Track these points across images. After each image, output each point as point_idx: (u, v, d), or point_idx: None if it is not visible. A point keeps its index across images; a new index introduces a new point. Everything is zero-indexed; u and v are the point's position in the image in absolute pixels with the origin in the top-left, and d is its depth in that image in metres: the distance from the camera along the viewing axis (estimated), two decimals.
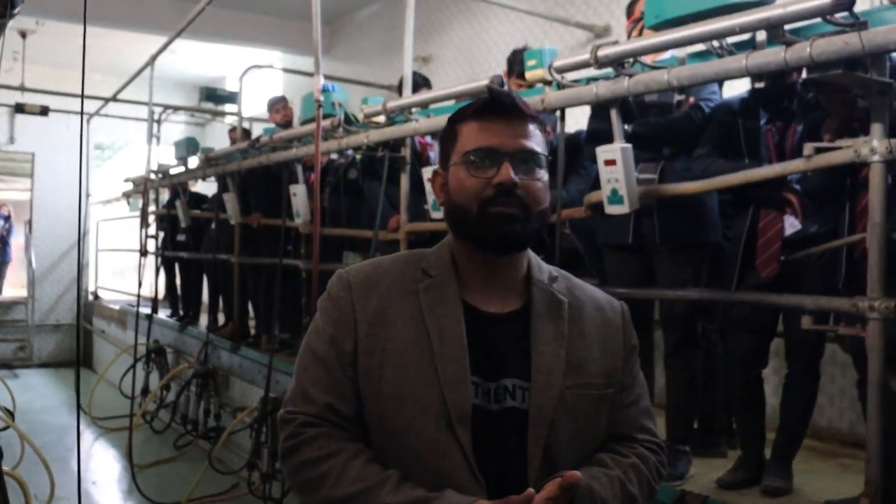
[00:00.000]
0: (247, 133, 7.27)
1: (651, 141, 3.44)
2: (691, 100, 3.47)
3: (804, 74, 3.17)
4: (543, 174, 1.48)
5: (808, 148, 2.79)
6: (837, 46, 2.50)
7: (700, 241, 3.46)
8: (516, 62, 4.36)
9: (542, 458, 1.42)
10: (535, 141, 1.48)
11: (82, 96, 1.83)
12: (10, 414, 5.84)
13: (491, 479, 1.40)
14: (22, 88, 9.95)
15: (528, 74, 3.59)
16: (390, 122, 4.63)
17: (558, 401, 1.45)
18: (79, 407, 2.34)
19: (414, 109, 4.43)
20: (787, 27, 2.66)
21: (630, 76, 3.17)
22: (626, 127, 3.39)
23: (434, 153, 4.85)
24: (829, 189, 3.05)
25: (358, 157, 5.65)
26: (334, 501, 1.39)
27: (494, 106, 1.48)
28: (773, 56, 2.69)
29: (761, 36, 2.81)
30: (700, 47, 3.10)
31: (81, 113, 2.18)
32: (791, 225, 3.13)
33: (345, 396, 1.45)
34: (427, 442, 1.40)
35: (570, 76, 3.49)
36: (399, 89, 4.77)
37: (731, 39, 2.91)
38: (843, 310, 2.74)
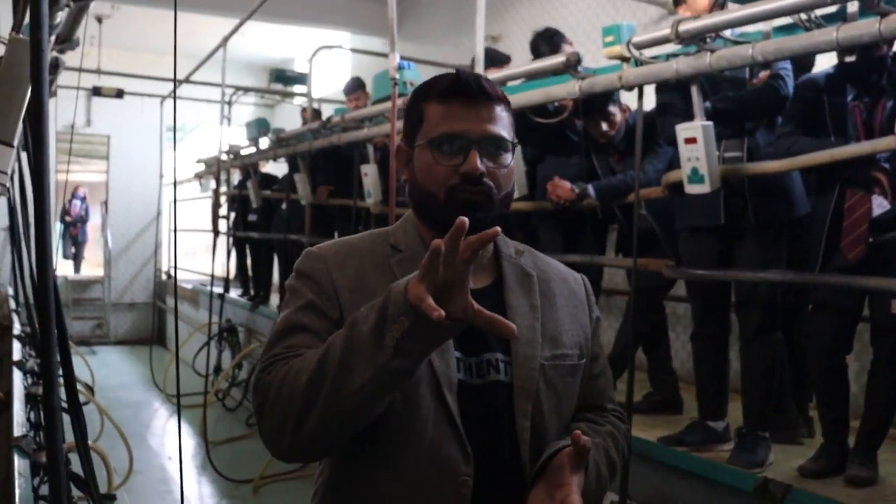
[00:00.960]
0: (317, 113, 7.30)
1: (733, 116, 3.35)
2: (764, 73, 3.37)
3: (895, 48, 3.05)
4: (508, 159, 1.46)
5: None
6: None
7: (791, 217, 3.38)
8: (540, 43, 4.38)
9: (531, 429, 1.43)
10: (502, 125, 1.45)
11: (174, 80, 1.84)
12: (90, 389, 6.01)
13: (478, 450, 1.39)
14: (98, 72, 10.16)
15: (606, 51, 3.52)
16: None
17: (539, 373, 1.45)
18: (178, 389, 2.37)
19: None
20: None
21: (712, 51, 3.08)
22: (705, 104, 3.30)
23: None
24: None
25: None
26: (302, 393, 1.29)
27: (461, 88, 1.45)
28: (867, 28, 2.58)
29: (853, 7, 2.70)
30: (787, 20, 2.99)
31: (174, 96, 2.17)
32: (879, 205, 3.02)
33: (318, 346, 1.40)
34: (414, 408, 1.38)
35: (648, 53, 3.41)
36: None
37: (819, 11, 2.80)
38: None
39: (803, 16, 2.81)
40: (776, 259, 3.33)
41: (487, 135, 1.43)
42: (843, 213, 3.09)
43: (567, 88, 3.77)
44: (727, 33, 3.09)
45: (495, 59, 4.77)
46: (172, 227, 12.92)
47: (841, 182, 3.11)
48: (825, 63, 3.49)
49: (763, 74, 3.36)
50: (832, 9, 2.81)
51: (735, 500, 3.15)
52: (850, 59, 2.84)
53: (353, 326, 1.29)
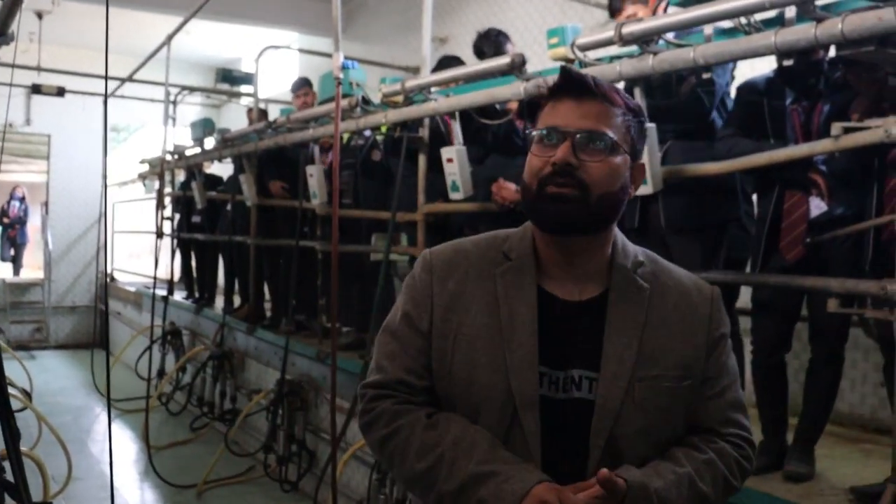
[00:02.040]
0: (264, 114, 7.23)
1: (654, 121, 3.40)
2: (692, 79, 3.42)
3: (831, 52, 3.11)
4: (613, 158, 1.43)
5: (837, 128, 2.74)
6: (870, 23, 2.43)
7: (705, 223, 3.41)
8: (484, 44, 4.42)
9: (605, 450, 1.40)
10: (609, 124, 1.43)
11: (105, 77, 1.80)
12: (28, 395, 5.87)
13: (554, 469, 1.38)
14: (38, 69, 9.93)
15: (551, 53, 3.53)
16: (409, 102, 4.58)
17: (626, 392, 1.41)
18: (109, 392, 2.32)
19: (433, 89, 4.37)
20: (817, 2, 2.60)
21: (655, 54, 3.11)
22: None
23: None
24: (856, 170, 3.00)
25: (380, 138, 5.60)
26: (407, 480, 1.46)
27: (565, 85, 1.46)
28: (803, 33, 2.62)
29: (790, 12, 2.74)
30: (727, 24, 3.03)
31: (105, 95, 2.12)
32: (817, 207, 3.08)
33: (416, 372, 1.49)
34: (493, 427, 1.41)
35: (592, 55, 3.43)
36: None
37: (759, 16, 2.84)
38: (871, 293, 2.69)
39: (743, 20, 2.85)
40: (703, 261, 3.35)
41: (584, 128, 1.42)
42: (783, 214, 3.15)
43: (512, 90, 3.78)
44: (669, 36, 3.12)
45: (450, 63, 4.74)
46: (109, 230, 12.74)
47: (780, 184, 3.17)
48: (765, 67, 3.55)
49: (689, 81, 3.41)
50: (771, 14, 2.86)
51: None
52: (787, 62, 2.89)
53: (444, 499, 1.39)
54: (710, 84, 3.39)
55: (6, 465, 2.33)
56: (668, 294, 1.50)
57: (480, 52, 4.47)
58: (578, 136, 1.42)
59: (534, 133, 1.47)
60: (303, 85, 6.81)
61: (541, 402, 1.40)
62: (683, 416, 1.48)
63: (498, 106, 4.25)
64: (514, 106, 4.22)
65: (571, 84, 1.46)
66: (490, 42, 4.47)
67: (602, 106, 1.44)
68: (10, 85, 4.70)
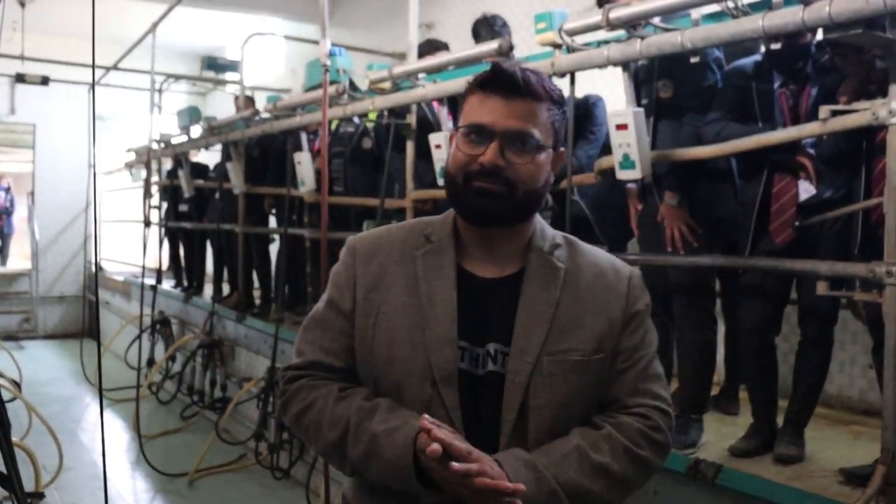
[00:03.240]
0: (251, 101, 7.20)
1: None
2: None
3: (818, 36, 3.12)
4: (539, 157, 1.47)
5: (824, 111, 2.74)
6: (858, 5, 2.43)
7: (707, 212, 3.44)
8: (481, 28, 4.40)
9: (515, 424, 1.44)
10: (535, 121, 1.46)
11: (93, 66, 1.79)
12: (17, 385, 5.84)
13: (474, 442, 1.40)
14: (22, 58, 9.85)
15: (538, 38, 3.52)
16: (396, 88, 4.57)
17: (534, 366, 1.44)
18: (100, 384, 2.31)
19: (420, 75, 4.36)
20: None
21: (642, 38, 3.10)
22: None
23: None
24: (844, 153, 3.00)
25: (370, 125, 5.59)
26: (324, 452, 1.54)
27: (496, 80, 1.48)
28: (791, 16, 2.63)
29: None
30: (714, 8, 3.03)
31: (93, 84, 2.11)
32: (805, 190, 3.09)
33: (335, 352, 1.55)
34: (413, 402, 1.45)
35: (580, 39, 3.43)
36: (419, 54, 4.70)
37: (746, 0, 2.84)
38: (860, 275, 2.70)
39: (731, 4, 2.84)
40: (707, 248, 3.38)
41: (512, 129, 1.44)
42: (772, 198, 3.15)
43: None
44: (657, 21, 3.12)
45: (433, 46, 4.74)
46: (98, 219, 12.68)
47: (769, 167, 3.17)
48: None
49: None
50: None
51: (669, 481, 3.19)
52: (775, 46, 2.89)
53: (357, 465, 1.47)
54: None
55: None
56: (583, 274, 1.55)
57: (478, 35, 4.46)
58: (507, 136, 1.45)
59: (460, 126, 1.50)
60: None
61: (461, 377, 1.45)
62: (595, 389, 1.51)
63: None
64: None
65: (501, 81, 1.47)
66: (488, 26, 4.46)
67: (530, 104, 1.47)
68: None
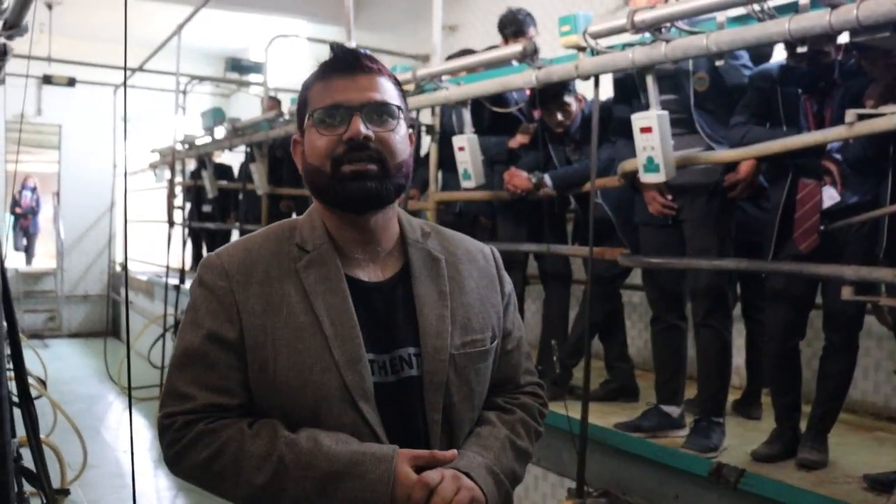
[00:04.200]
0: (277, 102, 7.25)
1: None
2: (701, 73, 3.42)
3: (840, 56, 3.10)
4: (400, 125, 1.44)
5: (851, 115, 2.72)
6: (886, 8, 2.42)
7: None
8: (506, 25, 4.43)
9: (442, 423, 1.43)
10: (387, 93, 1.44)
11: (125, 68, 1.81)
12: (42, 383, 5.91)
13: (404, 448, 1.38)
14: (49, 59, 9.94)
15: (562, 40, 3.52)
16: (420, 90, 4.58)
17: (449, 364, 1.43)
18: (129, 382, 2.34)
19: (444, 77, 4.37)
20: None
21: (667, 41, 3.10)
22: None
23: None
24: (870, 157, 2.98)
25: None
26: (246, 496, 1.36)
27: (337, 63, 1.45)
28: (818, 19, 2.61)
29: None
30: (740, 11, 3.02)
31: (125, 84, 2.16)
32: (830, 197, 3.07)
33: (229, 390, 1.39)
34: (334, 427, 1.37)
35: (604, 42, 3.43)
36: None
37: (772, 2, 2.83)
38: (886, 280, 2.69)
39: (756, 6, 2.83)
40: (709, 250, 3.40)
41: (369, 101, 1.41)
42: (796, 203, 3.14)
43: (524, 78, 3.78)
44: (682, 24, 3.11)
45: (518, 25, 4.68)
46: (125, 218, 12.79)
47: (793, 171, 3.16)
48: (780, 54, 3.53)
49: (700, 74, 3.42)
50: (785, 0, 2.85)
51: (690, 485, 3.19)
52: (801, 49, 2.87)
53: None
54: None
55: (25, 452, 2.36)
56: (460, 261, 1.54)
57: (503, 31, 4.46)
58: (365, 108, 1.40)
59: (314, 112, 1.43)
60: None
61: (375, 389, 1.40)
62: (491, 373, 1.54)
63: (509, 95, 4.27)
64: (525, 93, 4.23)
65: (343, 60, 1.45)
66: (511, 22, 4.47)
67: (375, 77, 1.44)
68: (27, 76, 4.72)
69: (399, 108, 1.44)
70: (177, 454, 1.39)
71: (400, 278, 1.48)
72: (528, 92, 4.20)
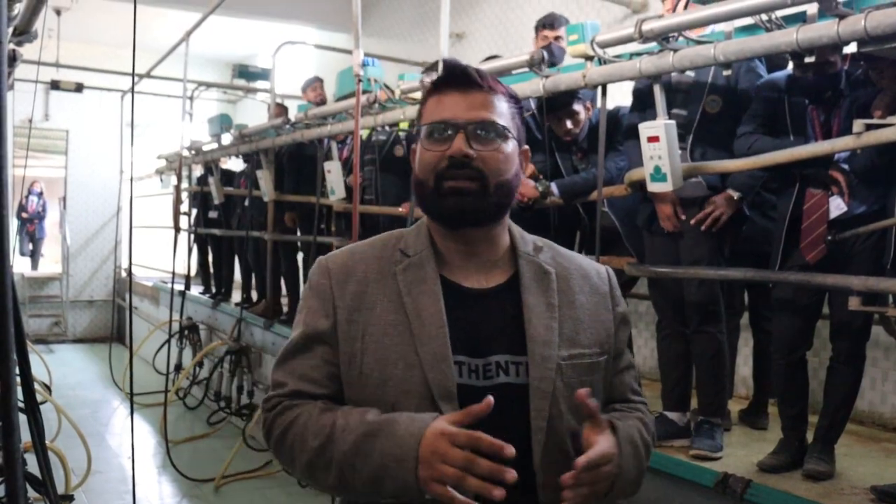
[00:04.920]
0: (284, 109, 7.26)
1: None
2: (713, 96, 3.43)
3: (847, 65, 3.10)
4: (505, 145, 1.46)
5: (859, 125, 2.71)
6: (894, 19, 2.42)
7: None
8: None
9: (546, 431, 1.42)
10: (496, 112, 1.46)
11: (133, 74, 1.81)
12: (47, 388, 5.92)
13: (480, 455, 1.36)
14: (57, 65, 9.99)
15: (570, 50, 3.53)
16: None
17: (556, 373, 1.44)
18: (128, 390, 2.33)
19: None
20: None
21: (675, 51, 3.10)
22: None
23: None
24: (878, 168, 2.98)
25: (402, 133, 5.61)
26: (307, 466, 1.42)
27: (449, 79, 1.47)
28: (826, 30, 2.61)
29: (812, 9, 2.73)
30: (748, 21, 3.02)
31: (133, 90, 2.14)
32: (837, 207, 3.07)
33: (317, 380, 1.47)
34: None
35: (612, 51, 3.43)
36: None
37: (780, 13, 2.83)
38: (893, 291, 2.68)
39: (764, 17, 2.83)
40: (703, 258, 3.41)
41: (475, 119, 1.43)
42: (803, 213, 3.13)
43: (531, 87, 3.78)
44: (690, 33, 3.11)
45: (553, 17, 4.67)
46: (130, 224, 12.80)
47: (801, 181, 3.16)
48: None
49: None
50: (792, 10, 2.85)
51: (696, 495, 3.18)
52: (809, 59, 2.87)
53: (343, 469, 1.37)
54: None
55: (30, 457, 2.35)
56: (571, 277, 1.55)
57: (538, 26, 4.50)
58: (470, 126, 1.43)
59: (422, 128, 1.47)
60: (312, 81, 6.89)
61: (463, 391, 1.40)
62: (602, 390, 1.54)
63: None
64: None
65: (455, 77, 1.47)
66: (548, 16, 4.47)
67: (487, 95, 1.46)
68: (36, 81, 4.74)
69: (506, 127, 1.46)
70: (266, 433, 1.49)
71: (506, 288, 1.50)
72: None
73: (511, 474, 1.27)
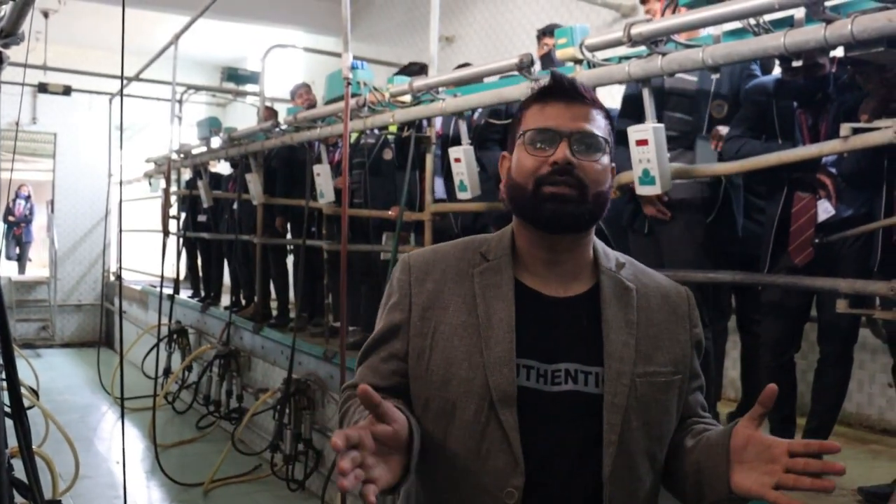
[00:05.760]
0: (274, 113, 7.25)
1: None
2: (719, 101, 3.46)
3: (836, 68, 3.12)
4: (604, 158, 1.47)
5: (846, 128, 2.73)
6: (880, 24, 2.43)
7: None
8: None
9: (618, 445, 1.42)
10: (596, 125, 1.47)
11: (122, 77, 1.81)
12: (35, 393, 5.89)
13: (538, 460, 1.39)
14: (45, 68, 9.94)
15: (559, 53, 3.54)
16: (416, 101, 4.59)
17: (630, 388, 1.44)
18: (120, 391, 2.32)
19: (441, 89, 4.38)
20: (827, 3, 2.60)
21: (663, 55, 3.11)
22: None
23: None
24: (865, 172, 3.00)
25: (390, 137, 5.61)
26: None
27: (555, 89, 1.49)
28: (813, 34, 2.62)
29: (800, 13, 2.74)
30: (736, 25, 3.03)
31: (122, 93, 2.14)
32: (825, 211, 3.09)
33: (381, 372, 1.51)
34: (469, 423, 1.42)
35: (601, 55, 3.44)
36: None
37: (768, 17, 2.84)
38: (880, 293, 2.69)
39: (752, 21, 2.85)
40: (689, 262, 3.42)
41: (579, 130, 1.45)
42: (791, 217, 3.15)
43: (520, 90, 3.79)
44: (678, 37, 3.12)
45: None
46: (117, 228, 12.76)
47: (789, 185, 3.17)
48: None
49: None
50: (780, 14, 2.86)
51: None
52: (796, 63, 2.88)
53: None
54: None
55: (17, 462, 2.34)
56: (651, 295, 1.55)
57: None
58: (575, 135, 1.45)
59: (525, 133, 1.48)
60: (301, 87, 6.89)
61: (528, 395, 1.42)
62: (678, 409, 1.53)
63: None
64: None
65: (562, 88, 1.49)
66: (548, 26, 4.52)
67: (589, 108, 1.48)
68: (23, 84, 4.72)
69: (606, 140, 1.48)
70: (340, 417, 1.53)
71: (585, 299, 1.50)
72: None
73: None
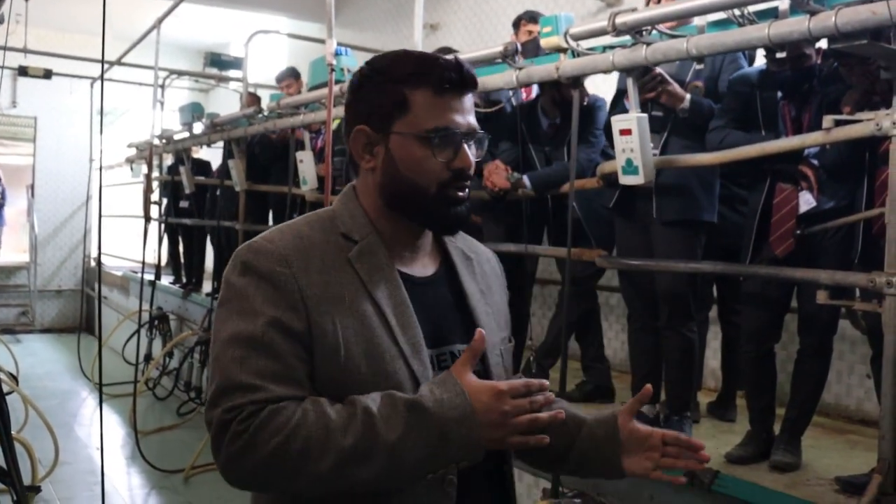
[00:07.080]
0: (257, 99, 7.21)
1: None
2: (697, 82, 3.45)
3: (820, 60, 3.13)
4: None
5: (828, 120, 2.75)
6: (864, 16, 2.45)
7: (694, 217, 3.47)
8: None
9: None
10: (474, 115, 1.45)
11: (102, 60, 1.79)
12: (14, 378, 5.85)
13: None
14: (25, 51, 9.82)
15: (543, 42, 3.52)
16: None
17: (501, 357, 1.49)
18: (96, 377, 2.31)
19: None
20: None
21: (648, 45, 3.11)
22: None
23: None
24: (847, 163, 3.02)
25: None
26: (337, 466, 1.25)
27: (452, 78, 1.39)
28: (797, 25, 2.63)
29: (784, 5, 2.75)
30: (721, 15, 3.04)
31: (102, 77, 2.13)
32: (806, 202, 3.10)
33: (299, 381, 1.32)
34: None
35: (586, 44, 3.44)
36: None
37: (752, 8, 2.85)
38: (860, 285, 2.71)
39: (737, 12, 2.85)
40: (685, 255, 3.44)
41: (472, 129, 1.42)
42: (773, 208, 3.16)
43: (504, 78, 3.78)
44: (663, 27, 3.13)
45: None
46: (100, 213, 12.66)
47: (771, 176, 3.18)
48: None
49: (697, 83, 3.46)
50: (764, 6, 2.87)
51: (665, 486, 3.20)
52: (780, 55, 2.90)
53: (395, 452, 1.26)
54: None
55: None
56: (482, 262, 1.58)
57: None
58: (472, 137, 1.42)
59: (425, 133, 1.38)
60: (288, 76, 6.82)
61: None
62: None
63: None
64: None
65: (458, 76, 1.40)
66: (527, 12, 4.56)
67: (471, 97, 1.44)
68: (2, 67, 4.66)
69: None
70: (244, 446, 1.26)
71: (444, 275, 1.50)
72: (523, 92, 4.22)
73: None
